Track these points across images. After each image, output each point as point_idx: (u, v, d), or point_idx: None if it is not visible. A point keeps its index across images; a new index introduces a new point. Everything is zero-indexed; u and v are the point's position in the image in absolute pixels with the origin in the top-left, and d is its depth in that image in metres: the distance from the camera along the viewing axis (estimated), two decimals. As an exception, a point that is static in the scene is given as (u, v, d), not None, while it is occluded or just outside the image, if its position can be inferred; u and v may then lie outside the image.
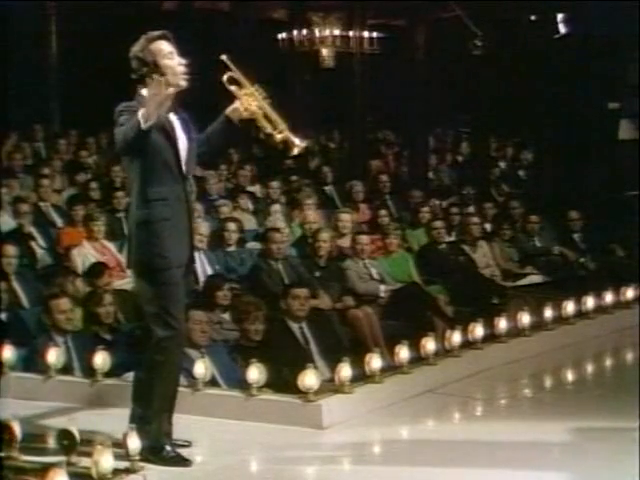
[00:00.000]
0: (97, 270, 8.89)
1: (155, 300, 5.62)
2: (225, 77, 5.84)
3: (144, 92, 5.59)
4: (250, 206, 12.10)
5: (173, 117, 5.69)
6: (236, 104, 5.85)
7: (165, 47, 5.62)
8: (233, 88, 5.86)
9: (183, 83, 5.60)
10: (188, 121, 5.77)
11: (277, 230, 10.00)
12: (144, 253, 5.62)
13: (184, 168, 5.70)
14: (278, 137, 5.85)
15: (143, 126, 5.34)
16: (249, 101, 5.83)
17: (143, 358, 5.79)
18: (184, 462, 5.68)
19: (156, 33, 5.65)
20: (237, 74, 5.85)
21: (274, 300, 8.52)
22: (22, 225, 10.33)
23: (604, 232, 12.30)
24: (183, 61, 5.61)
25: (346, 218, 11.01)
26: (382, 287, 9.86)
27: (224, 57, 5.87)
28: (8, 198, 10.98)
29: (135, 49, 5.66)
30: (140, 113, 5.37)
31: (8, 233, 10.06)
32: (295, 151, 5.89)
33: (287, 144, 5.88)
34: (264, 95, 5.86)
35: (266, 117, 5.85)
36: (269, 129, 5.85)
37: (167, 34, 5.68)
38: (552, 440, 6.23)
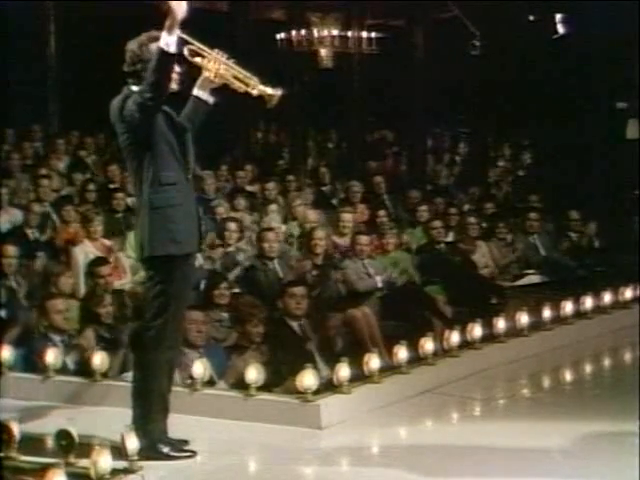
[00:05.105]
0: (98, 263, 8.89)
1: (164, 289, 5.60)
2: (186, 50, 5.77)
3: (134, 88, 5.62)
4: (248, 206, 12.08)
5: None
6: (204, 75, 5.83)
7: None
8: (197, 60, 5.83)
9: (174, 87, 5.63)
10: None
11: (270, 230, 10.03)
12: (159, 239, 5.60)
13: (186, 153, 5.72)
14: (254, 92, 5.84)
15: (171, 49, 5.37)
16: (215, 67, 5.81)
17: (135, 357, 5.83)
18: (188, 455, 5.72)
19: (157, 34, 5.62)
20: (196, 45, 5.79)
21: (271, 299, 8.53)
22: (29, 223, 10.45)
23: (604, 232, 12.30)
24: (177, 69, 5.61)
25: (347, 218, 11.01)
26: (378, 278, 9.85)
27: (179, 33, 5.75)
28: (10, 198, 11.01)
29: (133, 45, 5.70)
30: (159, 43, 5.39)
31: (8, 233, 10.06)
32: (274, 101, 5.86)
33: (264, 97, 5.88)
34: (227, 56, 5.85)
35: (236, 78, 5.84)
36: (243, 88, 5.85)
37: None
38: (550, 441, 6.22)
